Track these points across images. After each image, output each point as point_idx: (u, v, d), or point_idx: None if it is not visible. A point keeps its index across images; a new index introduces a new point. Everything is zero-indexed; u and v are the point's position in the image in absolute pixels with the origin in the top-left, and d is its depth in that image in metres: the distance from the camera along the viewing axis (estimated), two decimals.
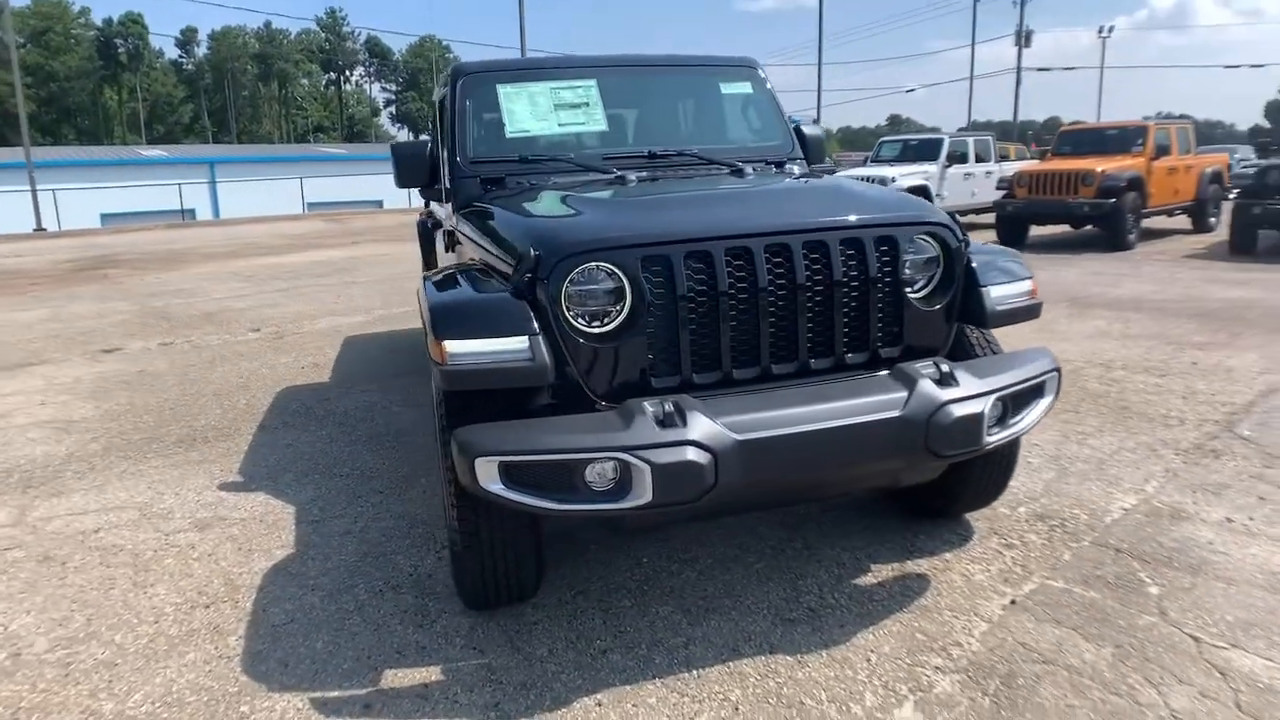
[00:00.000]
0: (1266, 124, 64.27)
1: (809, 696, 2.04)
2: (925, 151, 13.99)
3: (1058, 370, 2.37)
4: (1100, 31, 52.47)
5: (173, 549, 2.99)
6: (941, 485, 2.68)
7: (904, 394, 2.11)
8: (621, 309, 2.14)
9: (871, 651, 2.20)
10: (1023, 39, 43.08)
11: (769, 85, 3.72)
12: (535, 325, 2.06)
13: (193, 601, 2.61)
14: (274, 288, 9.56)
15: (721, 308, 2.14)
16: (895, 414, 2.07)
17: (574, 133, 3.40)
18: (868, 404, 2.08)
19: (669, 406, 1.96)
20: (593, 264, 2.11)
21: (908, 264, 2.33)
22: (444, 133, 3.42)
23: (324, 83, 66.46)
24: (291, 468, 3.78)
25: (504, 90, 3.42)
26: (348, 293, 9.08)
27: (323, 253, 13.39)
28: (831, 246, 2.22)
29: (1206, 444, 3.55)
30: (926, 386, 2.12)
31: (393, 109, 69.65)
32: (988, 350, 2.60)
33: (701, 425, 1.94)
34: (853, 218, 2.28)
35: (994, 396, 2.18)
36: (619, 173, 3.14)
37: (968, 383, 2.17)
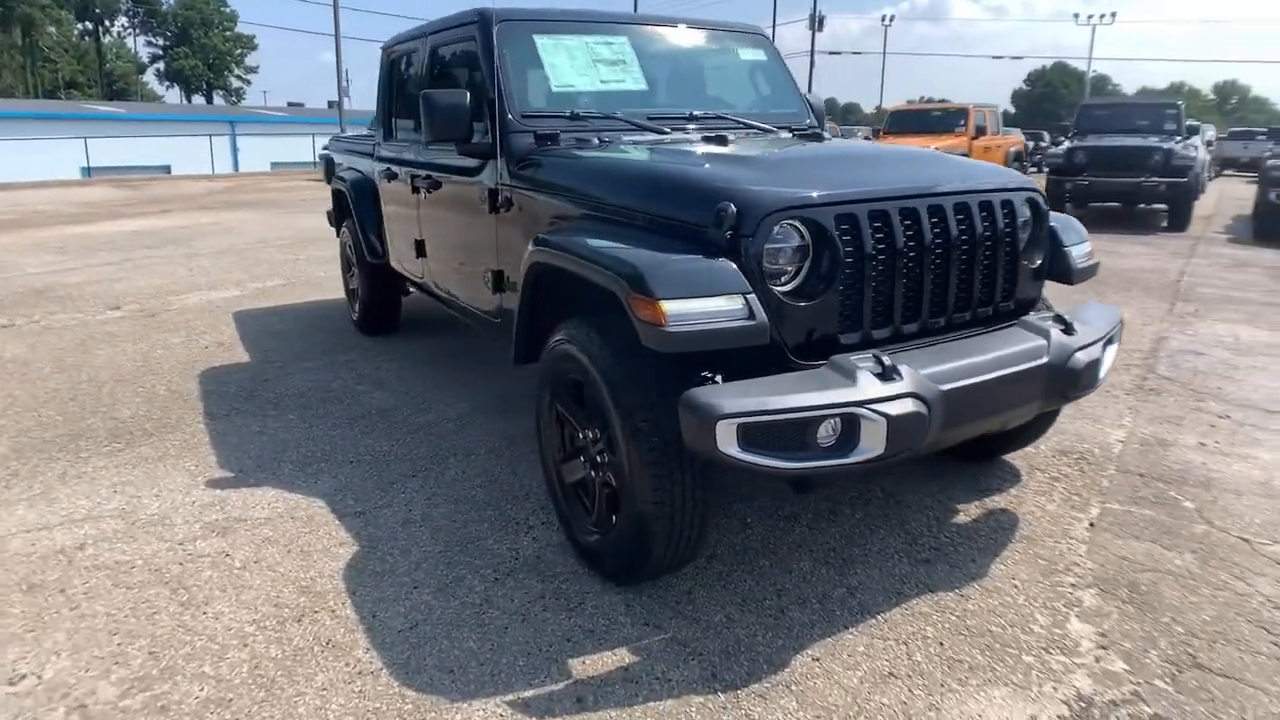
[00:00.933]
0: (1012, 109, 73.90)
1: (992, 624, 2.18)
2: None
3: (1122, 322, 2.68)
4: (884, 20, 57.86)
5: (202, 559, 2.53)
6: (1007, 431, 2.93)
7: (1044, 342, 2.29)
8: (803, 267, 2.11)
9: (1013, 579, 2.39)
10: (816, 23, 46.51)
11: (779, 55, 3.78)
12: (747, 283, 1.98)
13: (275, 616, 2.24)
14: (101, 260, 8.15)
15: (897, 265, 2.19)
16: (1045, 360, 2.25)
17: (615, 90, 3.24)
18: (1025, 352, 2.24)
19: (886, 361, 1.99)
20: (789, 222, 2.06)
21: (1020, 225, 2.51)
22: (475, 84, 3.11)
23: (78, 32, 56.46)
24: (284, 457, 3.31)
25: (541, 42, 3.18)
26: (198, 264, 7.97)
27: (137, 222, 11.57)
28: (972, 208, 2.34)
29: (1144, 385, 4.18)
30: (1058, 335, 2.32)
31: (160, 65, 60.80)
32: (1051, 308, 2.87)
33: (913, 378, 1.99)
34: (989, 182, 2.42)
35: (1101, 343, 2.43)
36: (673, 132, 3.06)
37: (1083, 332, 2.40)
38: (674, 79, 3.51)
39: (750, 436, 1.87)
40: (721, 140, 2.88)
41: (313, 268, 7.80)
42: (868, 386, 1.93)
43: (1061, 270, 2.66)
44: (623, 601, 2.29)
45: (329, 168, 6.05)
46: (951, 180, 2.37)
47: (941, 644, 2.10)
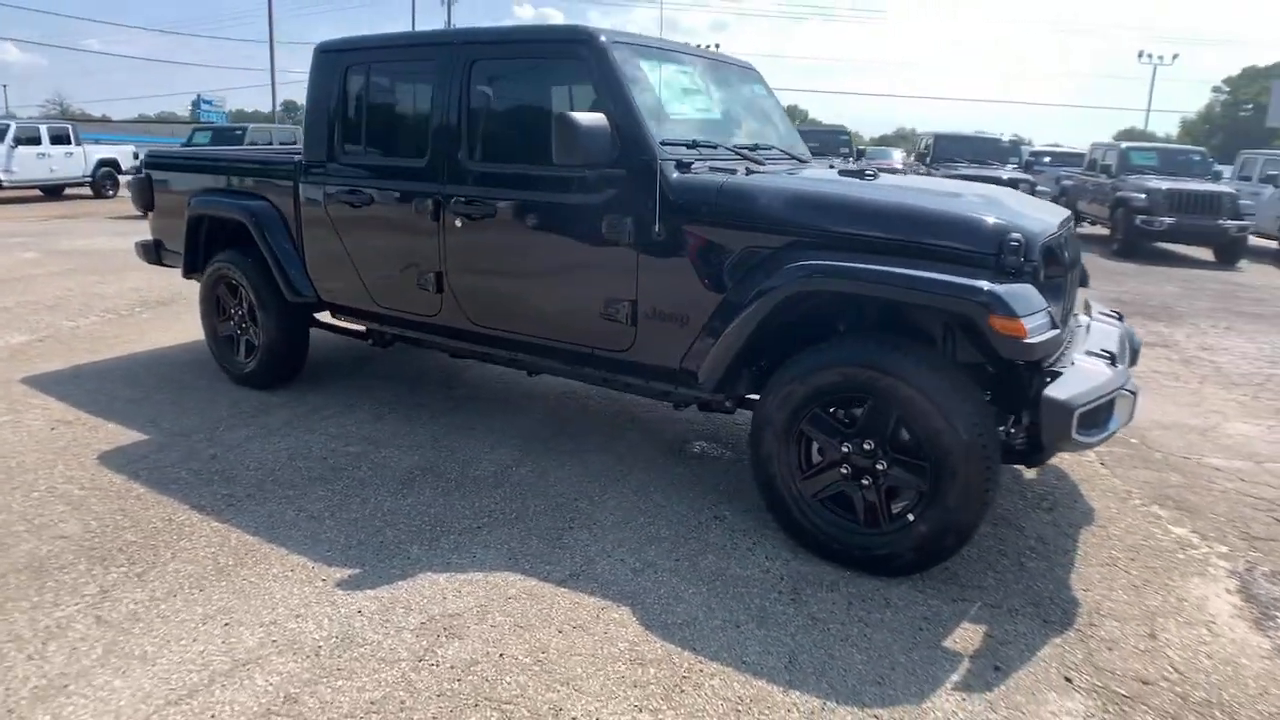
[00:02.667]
0: None
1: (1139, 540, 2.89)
2: None
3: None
4: None
5: (482, 665, 2.12)
6: None
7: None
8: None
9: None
10: None
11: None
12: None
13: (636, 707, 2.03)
14: None
15: (1064, 281, 2.75)
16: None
17: (705, 119, 3.32)
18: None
19: (1109, 354, 2.56)
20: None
21: None
22: (604, 102, 2.94)
23: None
24: (392, 539, 2.78)
25: (648, 67, 3.13)
26: None
27: None
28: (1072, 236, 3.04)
29: None
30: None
31: None
32: None
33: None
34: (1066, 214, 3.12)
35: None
36: (768, 163, 3.28)
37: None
38: (726, 110, 3.68)
39: (1083, 420, 2.29)
40: (861, 174, 3.11)
41: (46, 318, 6.05)
42: (1119, 373, 2.47)
43: None
44: (912, 587, 2.52)
45: (146, 189, 4.85)
46: (1061, 213, 3.03)
47: (1134, 560, 2.74)
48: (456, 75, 3.34)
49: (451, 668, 2.12)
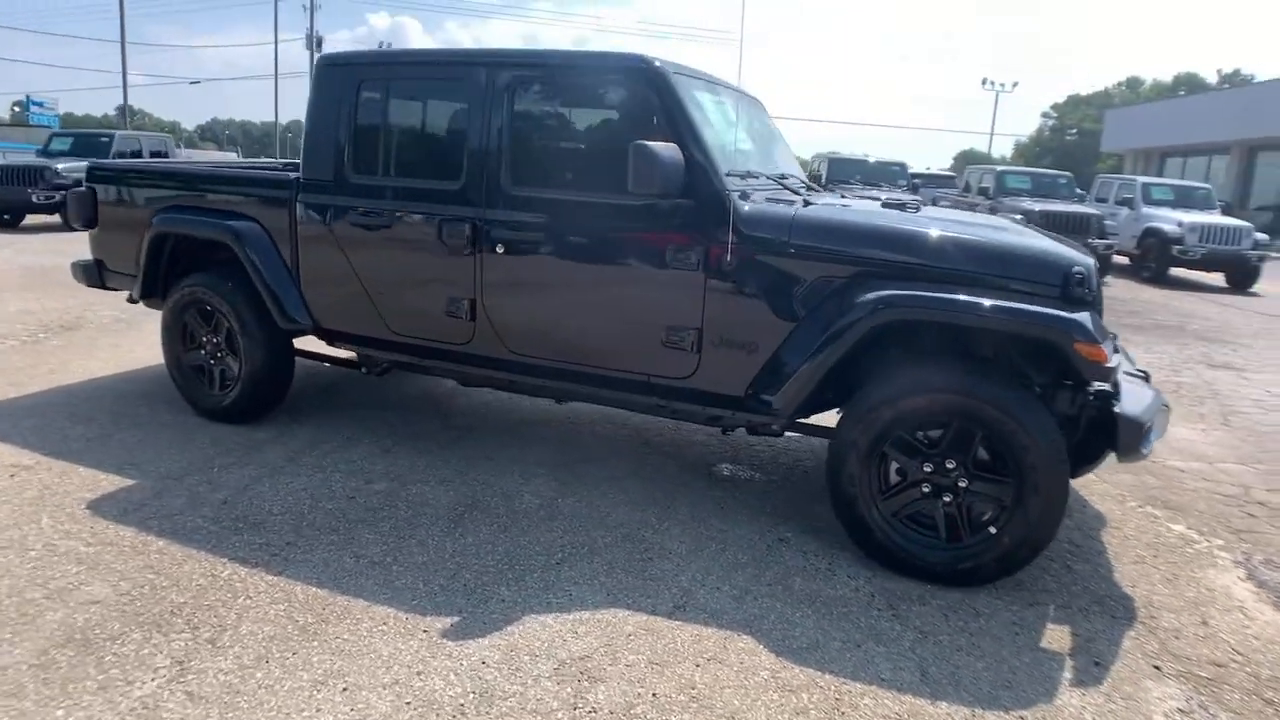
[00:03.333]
0: None
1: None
2: None
3: None
4: (380, 46, 58.60)
5: (647, 708, 2.07)
6: None
7: None
8: None
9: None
10: (314, 42, 44.77)
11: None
12: None
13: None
14: None
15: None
16: None
17: (742, 149, 3.40)
18: None
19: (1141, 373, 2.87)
20: None
21: None
22: (668, 130, 2.94)
23: None
24: (476, 581, 2.66)
25: (701, 98, 3.18)
26: None
27: None
28: None
29: None
30: None
31: None
32: None
33: None
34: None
35: None
36: (801, 193, 3.42)
37: None
38: (752, 140, 3.78)
39: (1146, 434, 2.55)
40: (903, 206, 3.27)
41: None
42: (1156, 390, 2.77)
43: None
44: (990, 596, 2.70)
45: (89, 204, 4.35)
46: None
47: (1156, 557, 3.07)
48: (498, 96, 3.25)
49: (610, 713, 2.07)
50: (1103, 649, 2.46)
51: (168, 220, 4.03)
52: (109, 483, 3.32)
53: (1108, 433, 2.62)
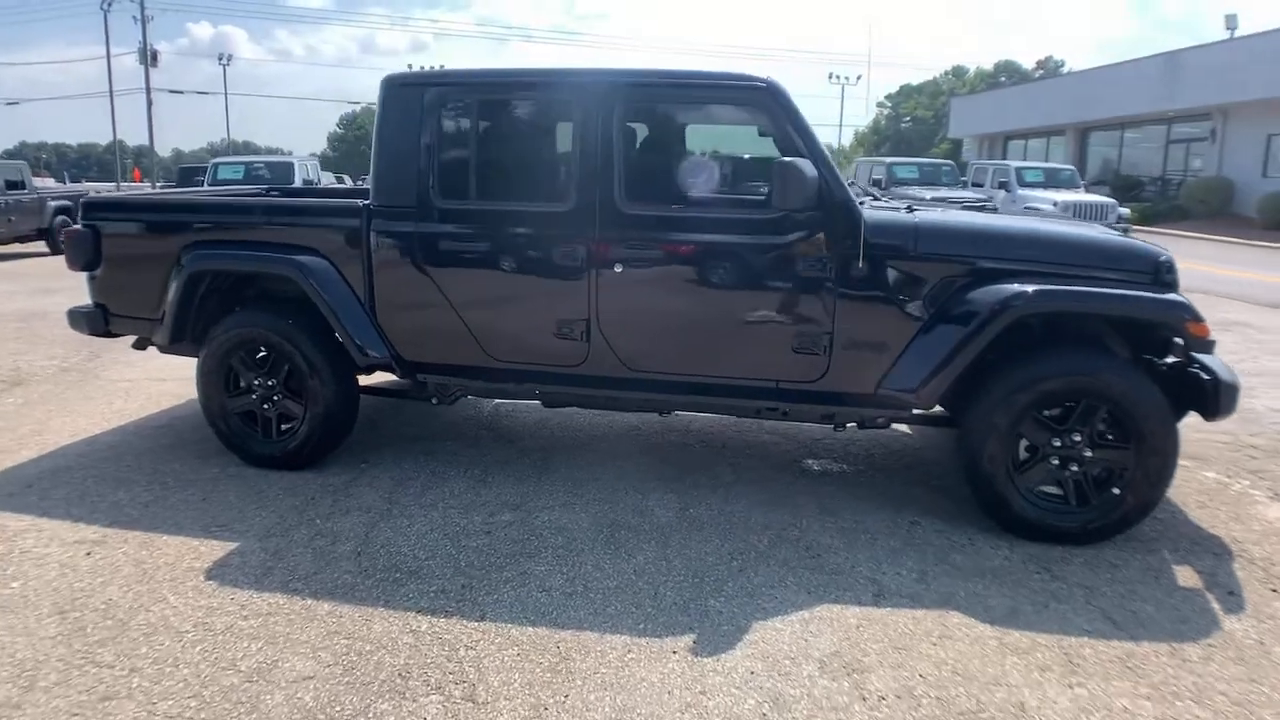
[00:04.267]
0: (331, 152, 77.81)
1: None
2: None
3: None
4: (221, 59, 54.71)
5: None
6: None
7: None
8: None
9: None
10: (148, 57, 41.12)
11: None
12: None
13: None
14: None
15: None
16: None
17: None
18: None
19: None
20: None
21: None
22: (791, 148, 3.09)
23: None
24: (665, 593, 2.70)
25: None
26: None
27: None
28: None
29: None
30: None
31: None
32: None
33: None
34: None
35: None
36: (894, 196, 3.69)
37: None
38: None
39: (1238, 396, 2.99)
40: (982, 207, 3.62)
41: None
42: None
43: None
44: (1112, 550, 3.06)
45: (89, 244, 3.92)
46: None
47: (1211, 500, 3.57)
48: (609, 116, 3.26)
49: (898, 697, 2.21)
50: (1226, 581, 2.87)
51: (207, 257, 3.71)
52: (208, 549, 3.05)
53: (1197, 395, 3.04)
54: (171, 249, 3.83)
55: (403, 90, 3.51)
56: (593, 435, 4.38)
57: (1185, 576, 2.91)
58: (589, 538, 3.16)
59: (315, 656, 2.39)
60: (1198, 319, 2.89)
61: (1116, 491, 3.04)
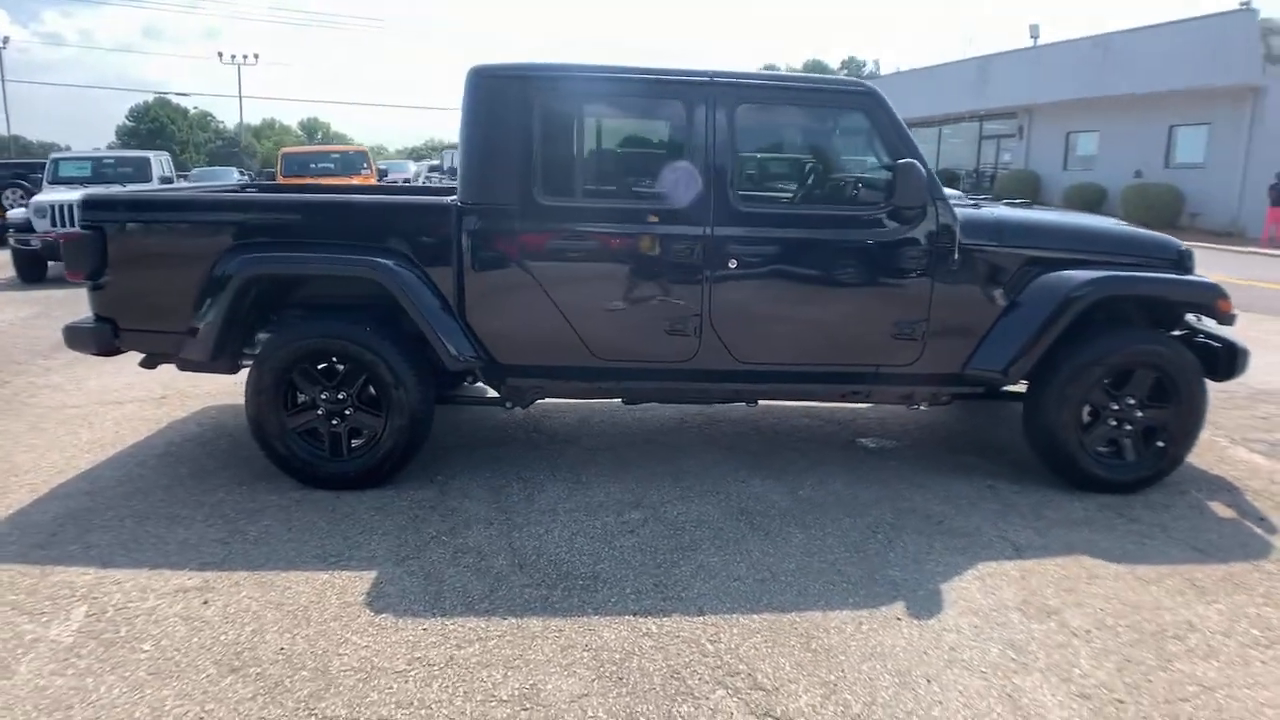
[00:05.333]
0: (117, 141, 69.21)
1: None
2: None
3: None
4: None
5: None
6: None
7: None
8: None
9: None
10: None
11: None
12: None
13: None
14: None
15: None
16: None
17: None
18: None
19: None
20: None
21: None
22: (895, 150, 3.33)
23: None
24: (849, 570, 2.87)
25: None
26: None
27: None
28: None
29: None
30: None
31: None
32: None
33: None
34: None
35: None
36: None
37: None
38: None
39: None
40: (1029, 205, 4.03)
41: None
42: None
43: None
44: (1156, 494, 3.62)
45: (94, 249, 3.38)
46: None
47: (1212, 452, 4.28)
48: (719, 116, 3.34)
49: (1099, 629, 2.54)
50: (1250, 510, 3.51)
51: (266, 261, 3.33)
52: (345, 580, 2.80)
53: (1213, 361, 3.66)
54: (207, 252, 3.40)
55: (498, 82, 3.36)
56: (644, 431, 4.42)
57: (1221, 510, 3.51)
58: (732, 526, 3.24)
59: (572, 673, 2.32)
60: (1227, 297, 3.51)
61: (1161, 445, 3.61)
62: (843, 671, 2.33)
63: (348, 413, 3.49)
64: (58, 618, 2.55)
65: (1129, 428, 3.59)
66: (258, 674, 2.30)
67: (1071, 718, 2.15)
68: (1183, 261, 3.67)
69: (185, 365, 3.65)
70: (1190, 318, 3.76)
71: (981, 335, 3.55)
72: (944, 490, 3.65)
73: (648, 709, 2.17)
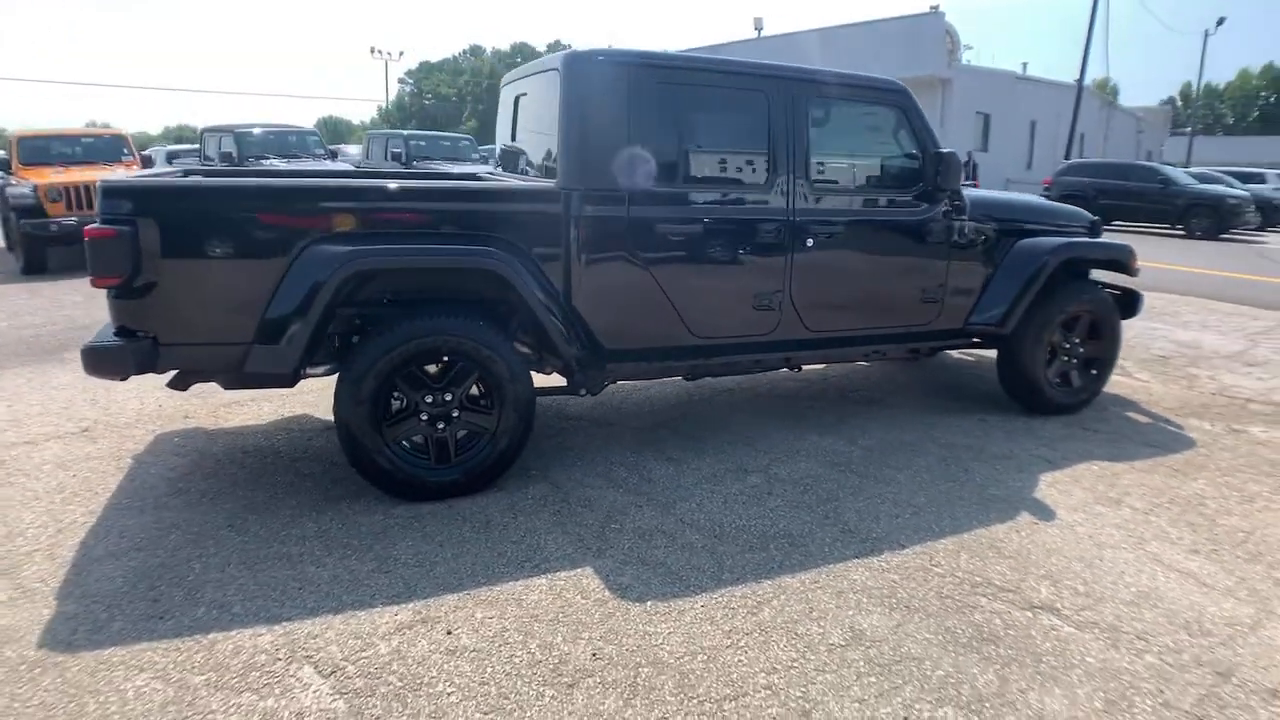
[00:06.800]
0: None
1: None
2: None
3: None
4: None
5: None
6: None
7: None
8: None
9: None
10: None
11: None
12: None
13: None
14: None
15: None
16: None
17: None
18: None
19: None
20: None
21: None
22: (924, 140, 3.87)
23: None
24: (996, 504, 3.38)
25: None
26: None
27: None
28: None
29: None
30: None
31: None
32: None
33: None
34: None
35: None
36: None
37: None
38: None
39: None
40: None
41: None
42: None
43: None
44: (1089, 417, 4.66)
45: (128, 248, 2.78)
46: None
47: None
48: (795, 108, 3.63)
49: (1156, 507, 3.32)
50: (1159, 415, 4.66)
51: (372, 255, 2.96)
52: (571, 581, 2.72)
53: (1122, 304, 4.77)
54: (282, 247, 2.94)
55: (603, 69, 3.32)
56: (667, 407, 4.57)
57: (1140, 418, 4.63)
58: (841, 476, 3.60)
59: (867, 610, 2.54)
60: (1136, 256, 4.61)
61: (1094, 372, 4.64)
62: (1045, 566, 2.84)
63: (455, 415, 3.24)
64: (291, 686, 2.16)
65: (1075, 361, 4.58)
66: (601, 682, 2.19)
67: (1201, 568, 2.87)
68: (1094, 228, 4.74)
69: (240, 383, 3.11)
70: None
71: (979, 295, 4.29)
72: (955, 427, 4.34)
73: (953, 622, 2.48)
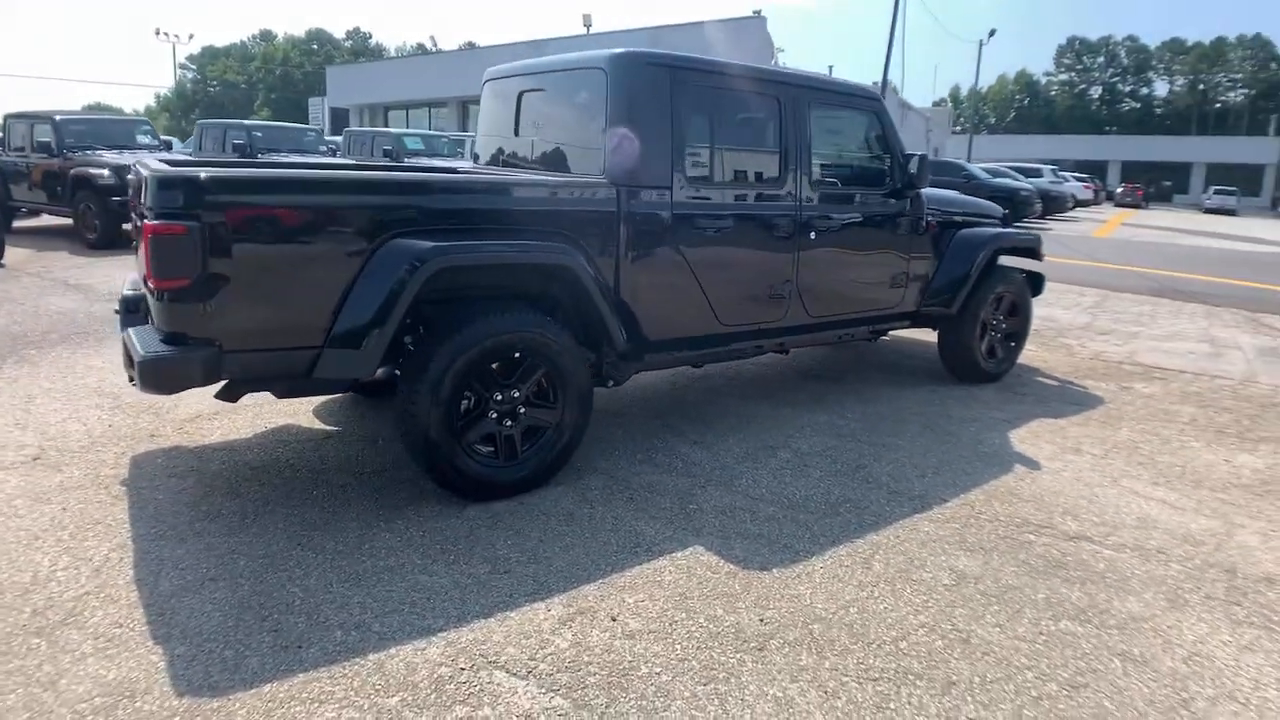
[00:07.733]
0: None
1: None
2: None
3: None
4: None
5: None
6: None
7: None
8: None
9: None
10: None
11: None
12: None
13: None
14: None
15: None
16: None
17: None
18: None
19: None
20: None
21: None
22: (891, 143, 4.31)
23: None
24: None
25: None
26: None
27: None
28: None
29: None
30: None
31: None
32: None
33: None
34: None
35: None
36: None
37: None
38: None
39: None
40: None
41: None
42: None
43: None
44: (1016, 384, 5.41)
45: (191, 249, 2.55)
46: None
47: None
48: (799, 112, 3.93)
49: (1106, 453, 3.99)
50: (1066, 379, 5.49)
51: (458, 251, 2.88)
52: (694, 561, 2.84)
53: (1035, 284, 5.55)
54: (363, 241, 2.79)
55: (651, 70, 3.43)
56: (660, 393, 4.73)
57: (1053, 383, 5.43)
58: (856, 446, 3.97)
59: (975, 553, 2.87)
60: (1041, 244, 5.40)
61: (1013, 344, 5.39)
62: (1060, 505, 3.35)
63: (521, 411, 3.21)
64: (496, 692, 2.11)
65: (999, 336, 5.29)
66: (785, 642, 2.34)
67: (1167, 496, 3.52)
68: (1005, 220, 5.50)
69: (298, 390, 2.88)
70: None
71: (929, 280, 4.86)
72: (916, 398, 4.88)
73: (1024, 556, 2.90)
